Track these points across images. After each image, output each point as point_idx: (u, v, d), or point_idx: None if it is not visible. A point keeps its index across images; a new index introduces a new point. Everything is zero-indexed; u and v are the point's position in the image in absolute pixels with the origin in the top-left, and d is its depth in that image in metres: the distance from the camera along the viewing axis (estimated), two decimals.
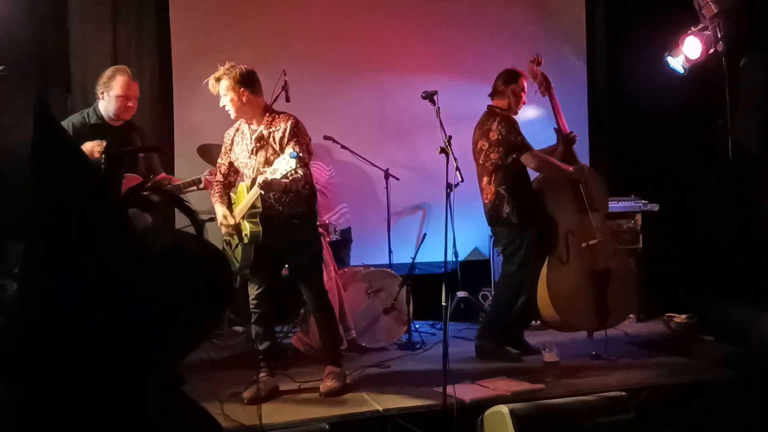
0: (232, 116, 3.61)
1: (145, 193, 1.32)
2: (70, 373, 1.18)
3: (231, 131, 3.72)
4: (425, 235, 5.29)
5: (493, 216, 4.29)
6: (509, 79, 4.35)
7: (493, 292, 5.50)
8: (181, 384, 1.30)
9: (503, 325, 4.33)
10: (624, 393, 3.42)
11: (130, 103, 3.92)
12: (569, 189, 4.33)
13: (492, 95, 4.41)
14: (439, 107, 3.58)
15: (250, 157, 3.58)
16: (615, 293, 4.28)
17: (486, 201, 4.31)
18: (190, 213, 1.39)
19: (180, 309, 1.27)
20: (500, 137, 4.18)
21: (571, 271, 4.26)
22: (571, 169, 4.30)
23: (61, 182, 1.15)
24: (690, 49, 4.77)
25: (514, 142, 4.16)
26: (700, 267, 5.34)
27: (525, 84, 4.37)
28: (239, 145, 3.65)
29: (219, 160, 3.73)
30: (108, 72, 3.96)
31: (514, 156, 4.16)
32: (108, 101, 3.86)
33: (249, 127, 3.65)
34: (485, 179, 4.27)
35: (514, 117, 4.32)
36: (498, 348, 4.27)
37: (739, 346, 4.26)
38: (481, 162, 4.28)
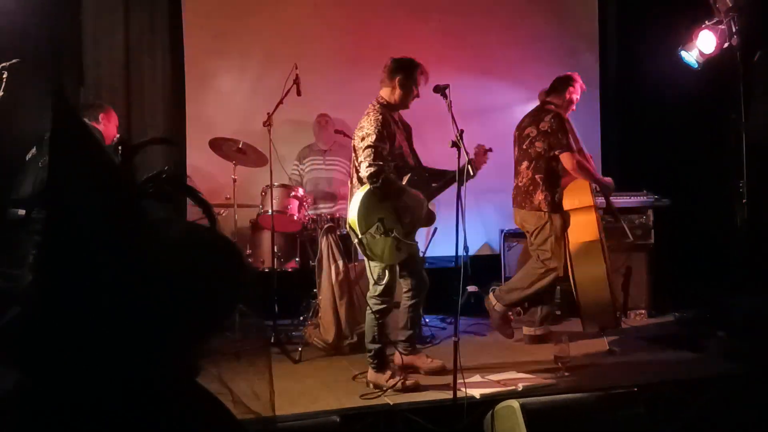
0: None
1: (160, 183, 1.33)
2: (82, 365, 1.19)
3: (386, 116, 3.66)
4: (436, 229, 5.29)
5: (524, 199, 4.49)
6: (568, 82, 4.60)
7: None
8: (196, 374, 1.31)
9: (518, 300, 4.50)
10: (634, 388, 3.42)
11: None
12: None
13: (548, 92, 4.65)
14: (450, 101, 3.56)
15: (411, 146, 3.82)
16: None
17: (520, 184, 4.53)
18: (203, 204, 1.40)
19: (194, 299, 1.28)
20: (549, 130, 4.39)
21: (607, 260, 4.44)
22: (604, 180, 4.53)
23: (80, 172, 1.16)
24: (704, 43, 4.73)
25: (560, 139, 4.37)
26: (711, 263, 5.31)
27: (579, 91, 4.62)
28: (398, 134, 3.74)
29: (379, 145, 3.51)
30: (99, 102, 4.67)
31: (557, 152, 4.38)
32: (109, 128, 4.52)
33: (395, 118, 3.78)
34: (525, 163, 4.49)
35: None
36: (503, 317, 4.50)
37: (751, 341, 4.24)
38: (524, 147, 4.49)
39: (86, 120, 4.44)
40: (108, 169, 1.17)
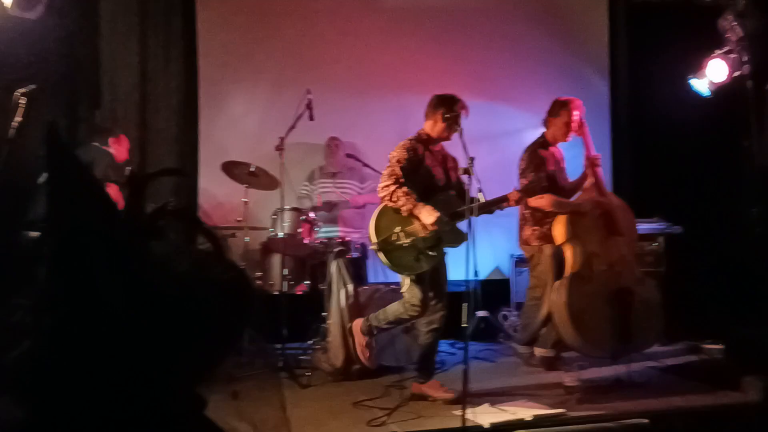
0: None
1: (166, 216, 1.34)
2: (90, 392, 1.20)
3: (415, 146, 3.84)
4: (445, 253, 5.29)
5: (519, 233, 4.66)
6: (552, 110, 4.59)
7: (514, 310, 5.67)
8: (203, 406, 1.31)
9: (530, 337, 4.60)
10: (646, 420, 3.37)
11: None
12: (595, 214, 4.42)
13: (543, 124, 4.64)
14: (462, 129, 3.62)
15: (445, 174, 3.91)
16: (638, 317, 4.26)
17: (519, 217, 4.65)
18: (211, 236, 1.40)
19: (202, 329, 1.29)
20: (524, 167, 4.46)
21: (592, 291, 4.28)
22: (571, 202, 4.46)
23: (77, 208, 1.18)
24: (715, 71, 4.73)
25: (526, 176, 4.37)
26: (724, 291, 5.26)
27: (572, 112, 4.51)
28: (429, 162, 3.85)
29: (398, 168, 3.74)
30: (110, 126, 4.96)
31: None
32: (120, 150, 4.82)
33: (432, 149, 3.89)
34: None
35: (558, 144, 4.58)
36: (531, 355, 4.60)
37: (765, 371, 4.18)
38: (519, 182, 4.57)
39: (97, 144, 4.53)
40: (104, 203, 1.18)
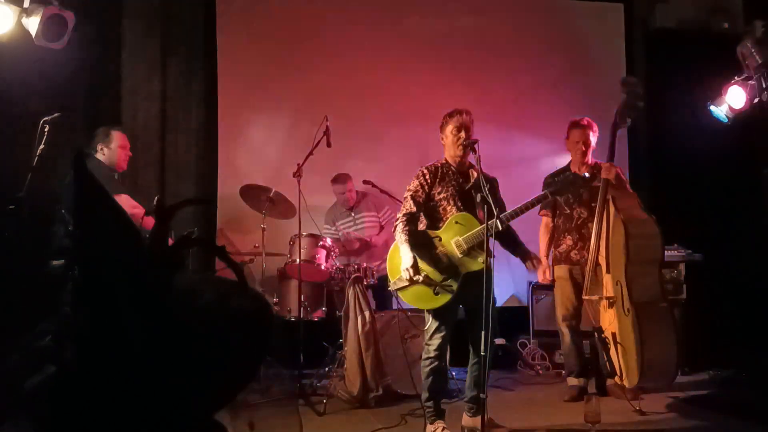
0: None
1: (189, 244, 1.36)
2: (107, 424, 1.20)
3: (427, 172, 3.74)
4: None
5: None
6: (567, 133, 4.58)
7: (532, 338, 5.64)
8: None
9: (570, 367, 4.55)
10: None
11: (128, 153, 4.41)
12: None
13: None
14: (479, 156, 3.58)
15: (464, 193, 3.70)
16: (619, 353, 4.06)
17: None
18: (234, 266, 1.42)
19: (223, 361, 1.29)
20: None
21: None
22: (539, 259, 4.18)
23: (103, 238, 1.19)
24: (733, 98, 4.71)
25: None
26: (747, 319, 5.18)
27: (578, 133, 4.49)
28: (443, 183, 3.72)
29: (415, 194, 3.68)
30: (103, 129, 4.31)
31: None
32: (110, 153, 4.25)
33: (449, 171, 3.75)
34: None
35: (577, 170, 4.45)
36: (582, 389, 4.43)
37: None
38: None
39: (90, 152, 4.23)
40: (129, 233, 1.20)
